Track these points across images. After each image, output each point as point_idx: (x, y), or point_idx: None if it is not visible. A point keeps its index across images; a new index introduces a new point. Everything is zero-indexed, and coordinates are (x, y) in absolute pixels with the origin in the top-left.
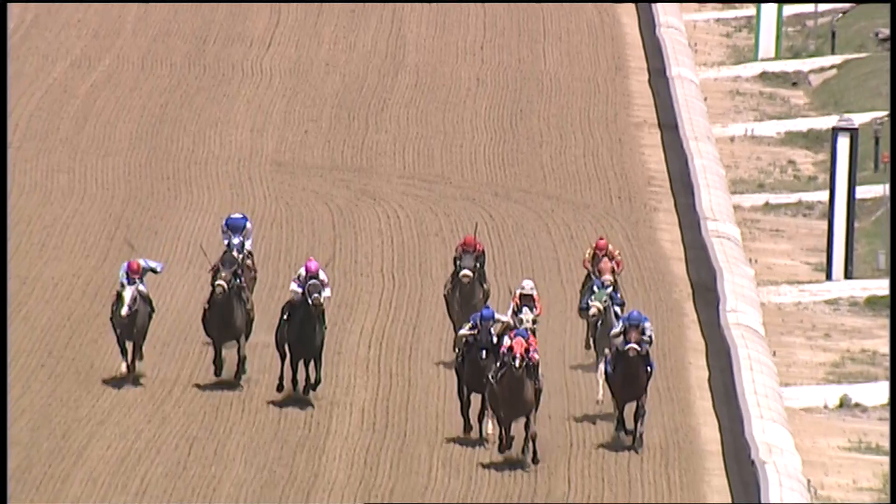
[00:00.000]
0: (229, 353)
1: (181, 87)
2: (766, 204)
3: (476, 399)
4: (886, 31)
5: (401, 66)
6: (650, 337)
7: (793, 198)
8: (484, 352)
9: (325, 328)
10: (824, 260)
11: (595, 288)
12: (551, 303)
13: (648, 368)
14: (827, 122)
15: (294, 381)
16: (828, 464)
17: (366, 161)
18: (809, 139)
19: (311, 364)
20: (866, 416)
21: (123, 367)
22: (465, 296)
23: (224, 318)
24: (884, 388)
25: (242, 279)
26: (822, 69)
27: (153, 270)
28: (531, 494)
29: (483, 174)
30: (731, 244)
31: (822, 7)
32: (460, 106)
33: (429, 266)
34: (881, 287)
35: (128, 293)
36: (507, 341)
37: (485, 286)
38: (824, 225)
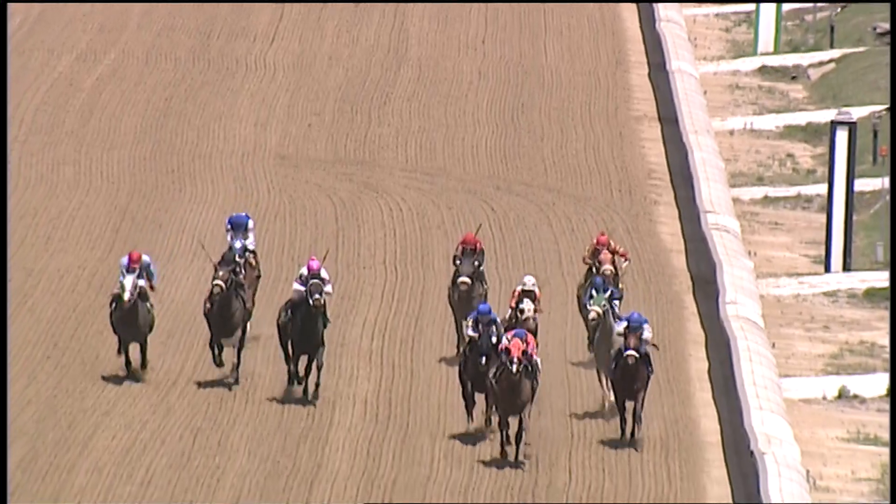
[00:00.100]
0: (228, 350)
1: (185, 81)
2: (766, 197)
3: (479, 398)
4: (885, 26)
5: (403, 61)
6: (648, 338)
7: (792, 191)
8: (484, 358)
9: (329, 323)
10: (823, 252)
11: (594, 292)
12: (552, 295)
13: (648, 369)
14: (826, 115)
15: (297, 377)
16: (826, 454)
17: (368, 154)
18: (808, 133)
19: (314, 362)
20: (864, 407)
21: (126, 363)
22: (464, 299)
23: (222, 316)
24: (882, 379)
25: (241, 277)
26: (821, 63)
27: (151, 274)
28: (532, 485)
29: (485, 167)
30: (731, 237)
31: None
32: (462, 100)
33: (431, 258)
34: (879, 279)
35: (129, 281)
36: (504, 342)
37: (484, 286)
38: (823, 218)
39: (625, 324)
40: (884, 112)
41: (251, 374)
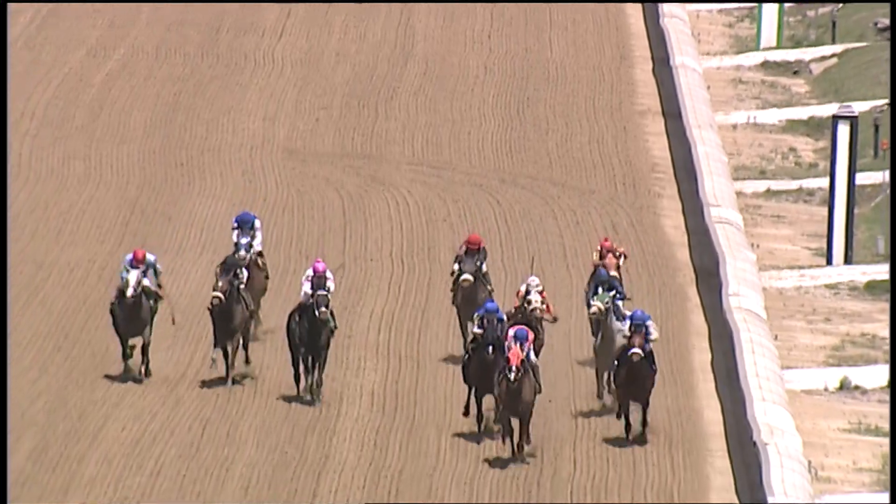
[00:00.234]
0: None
1: (195, 76)
2: (768, 190)
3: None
4: (886, 21)
5: (410, 56)
6: (650, 335)
7: (794, 184)
8: (490, 347)
9: (336, 328)
10: (825, 245)
11: (598, 289)
12: (557, 287)
13: (653, 367)
14: (827, 109)
15: (304, 380)
16: (828, 445)
17: (375, 148)
18: (810, 127)
19: (317, 365)
20: (866, 398)
21: (129, 363)
22: (467, 298)
23: (223, 323)
24: (883, 370)
25: (244, 280)
26: (823, 58)
27: (155, 273)
28: (537, 476)
29: (490, 161)
30: (734, 230)
31: None
32: (468, 94)
33: (437, 251)
34: (880, 272)
35: (132, 276)
36: (506, 345)
37: (488, 287)
38: (825, 211)
39: (628, 323)
40: (885, 106)
41: (259, 366)
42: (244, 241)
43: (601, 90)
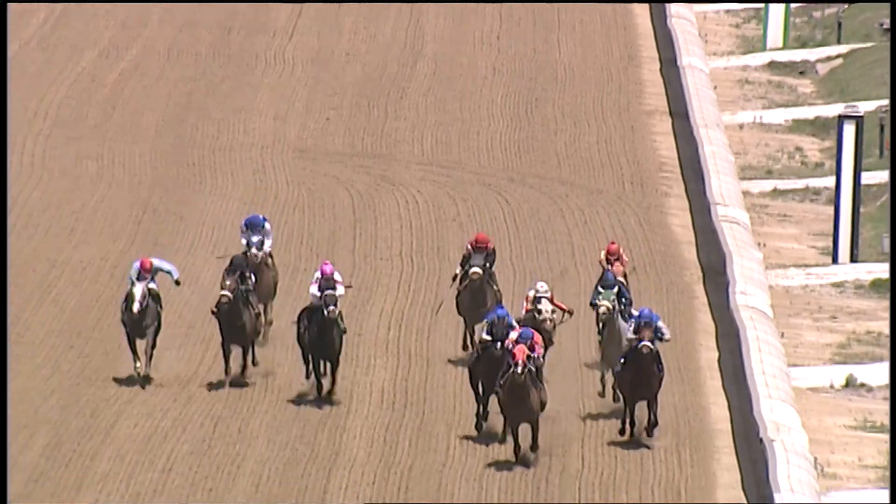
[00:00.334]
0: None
1: (206, 76)
2: (774, 189)
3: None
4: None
5: (419, 56)
6: (664, 335)
7: (800, 183)
8: (499, 343)
9: (345, 331)
10: (831, 244)
11: (601, 288)
12: (565, 287)
13: (659, 367)
14: (833, 109)
15: (317, 383)
16: (834, 442)
17: (385, 148)
18: (816, 126)
19: (329, 366)
20: (871, 395)
21: (140, 366)
22: (475, 298)
23: (231, 324)
24: (888, 368)
25: (251, 282)
26: (829, 58)
27: (168, 272)
28: (546, 472)
29: (499, 160)
30: (741, 229)
31: None
32: (477, 94)
33: (446, 250)
34: (886, 270)
35: (138, 290)
36: (509, 344)
37: (495, 288)
38: (831, 210)
39: (634, 323)
40: (887, 107)
41: (270, 364)
42: (255, 238)
43: (609, 90)
